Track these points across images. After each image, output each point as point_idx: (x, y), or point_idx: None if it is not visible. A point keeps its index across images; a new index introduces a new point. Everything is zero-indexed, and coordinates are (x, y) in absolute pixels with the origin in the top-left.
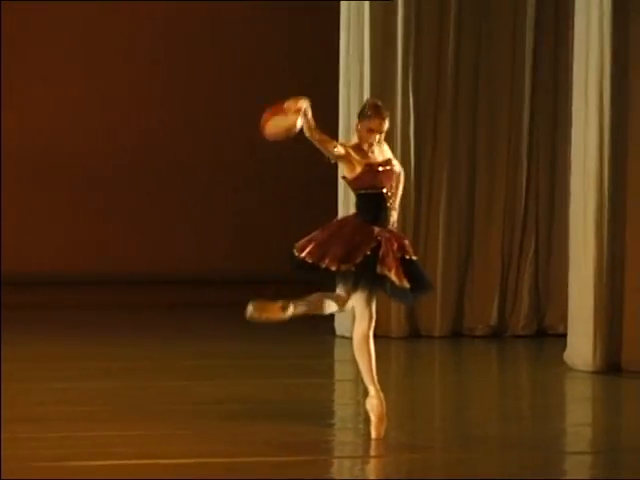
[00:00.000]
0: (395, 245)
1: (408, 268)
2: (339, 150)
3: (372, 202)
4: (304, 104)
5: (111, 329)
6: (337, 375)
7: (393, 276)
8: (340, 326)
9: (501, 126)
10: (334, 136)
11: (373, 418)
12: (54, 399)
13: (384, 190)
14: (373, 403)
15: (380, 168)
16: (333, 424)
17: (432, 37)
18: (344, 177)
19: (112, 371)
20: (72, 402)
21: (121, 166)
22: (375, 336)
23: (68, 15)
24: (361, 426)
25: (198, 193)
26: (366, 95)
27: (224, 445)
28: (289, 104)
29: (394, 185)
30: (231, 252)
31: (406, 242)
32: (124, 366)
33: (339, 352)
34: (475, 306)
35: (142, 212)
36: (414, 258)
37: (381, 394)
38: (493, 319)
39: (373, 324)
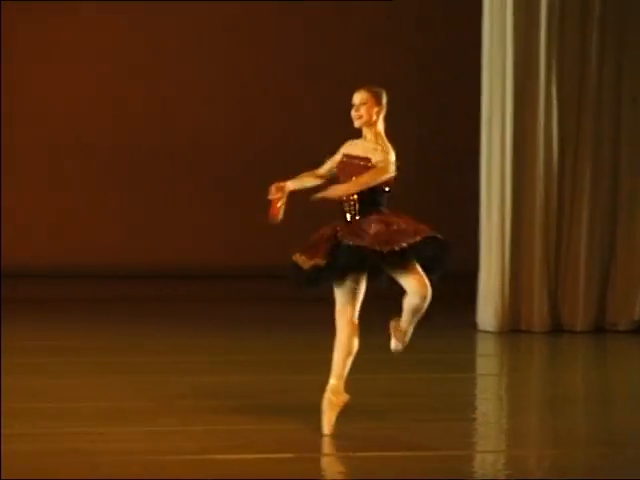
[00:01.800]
0: (330, 232)
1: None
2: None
3: None
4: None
5: (207, 321)
6: (479, 369)
7: (299, 259)
8: (482, 320)
9: None
10: (476, 129)
11: (332, 413)
12: (195, 392)
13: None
14: (334, 399)
15: (345, 159)
16: (474, 418)
17: (575, 35)
18: None
19: (239, 364)
20: (216, 395)
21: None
22: (518, 331)
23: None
24: (504, 420)
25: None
26: (509, 89)
27: (354, 440)
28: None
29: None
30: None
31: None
32: (251, 359)
33: (481, 346)
34: (618, 301)
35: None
36: (346, 242)
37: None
38: (637, 313)
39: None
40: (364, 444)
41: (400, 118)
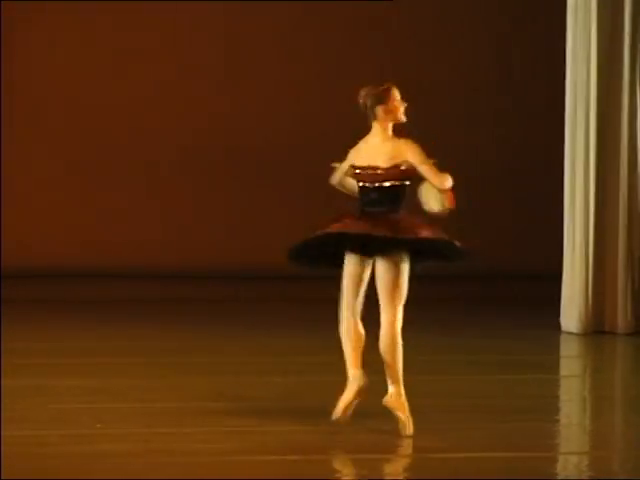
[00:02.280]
0: None
1: None
2: None
3: None
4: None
5: (282, 323)
6: (562, 371)
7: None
8: (566, 322)
9: None
10: (560, 131)
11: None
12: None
13: None
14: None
15: None
16: (558, 420)
17: None
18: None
19: (323, 365)
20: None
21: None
22: (602, 332)
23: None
24: (587, 422)
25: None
26: (592, 90)
27: (435, 441)
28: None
29: None
30: None
31: None
32: (333, 360)
33: (565, 348)
34: None
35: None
36: None
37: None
38: None
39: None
40: (445, 445)
41: (482, 118)
